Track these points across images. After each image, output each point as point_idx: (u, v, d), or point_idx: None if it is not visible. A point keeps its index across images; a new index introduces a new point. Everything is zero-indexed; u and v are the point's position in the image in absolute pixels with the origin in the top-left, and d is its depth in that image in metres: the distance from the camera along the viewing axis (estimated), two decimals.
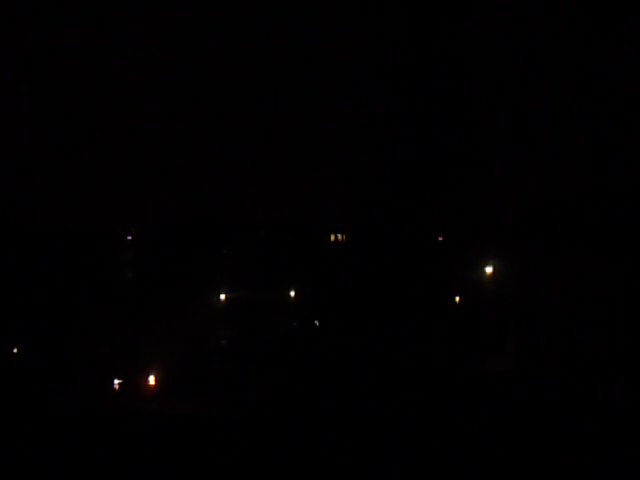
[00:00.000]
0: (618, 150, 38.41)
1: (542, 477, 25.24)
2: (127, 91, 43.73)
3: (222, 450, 28.62)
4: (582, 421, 28.87)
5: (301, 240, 44.23)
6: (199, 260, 43.29)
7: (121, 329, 40.91)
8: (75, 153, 43.39)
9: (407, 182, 40.94)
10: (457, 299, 40.61)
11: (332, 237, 44.54)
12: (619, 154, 38.41)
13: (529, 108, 39.63)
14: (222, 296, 42.92)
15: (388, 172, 41.36)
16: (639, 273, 36.47)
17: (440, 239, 41.01)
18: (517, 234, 39.37)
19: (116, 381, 39.39)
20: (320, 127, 42.44)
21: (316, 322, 42.15)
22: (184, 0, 43.92)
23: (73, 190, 43.00)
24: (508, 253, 39.35)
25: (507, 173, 39.91)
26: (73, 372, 39.01)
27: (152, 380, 39.35)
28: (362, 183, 41.38)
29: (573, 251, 37.26)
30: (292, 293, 42.93)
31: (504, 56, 39.76)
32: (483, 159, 40.51)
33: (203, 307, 42.25)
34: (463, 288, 40.32)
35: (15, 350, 41.10)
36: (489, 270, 39.88)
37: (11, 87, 43.16)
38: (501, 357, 37.85)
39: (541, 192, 39.74)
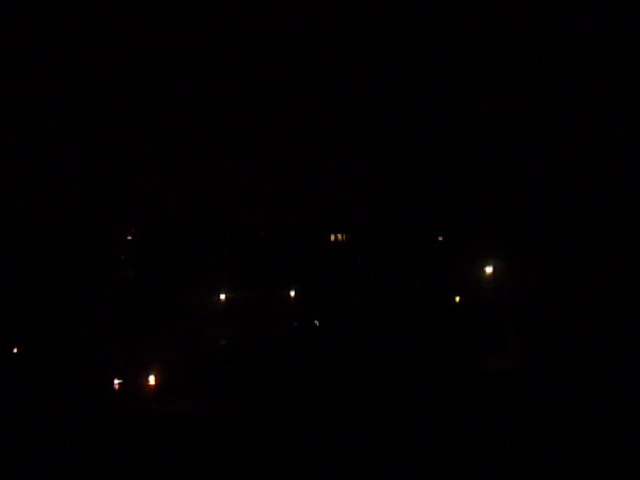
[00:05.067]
0: (618, 150, 38.42)
1: (542, 475, 25.27)
2: (128, 92, 43.75)
3: (222, 450, 28.62)
4: (582, 420, 28.88)
5: (301, 240, 44.26)
6: (199, 260, 43.30)
7: (121, 329, 40.92)
8: (75, 154, 43.42)
9: (407, 182, 40.94)
10: (457, 299, 40.61)
11: (332, 237, 44.56)
12: (619, 154, 38.42)
13: (529, 109, 39.65)
14: (222, 296, 42.94)
15: (388, 173, 41.36)
16: (639, 273, 36.48)
17: (440, 239, 41.02)
18: (517, 234, 39.37)
19: (116, 381, 39.41)
20: (320, 128, 42.47)
21: (316, 322, 42.15)
22: (185, 1, 43.96)
23: (73, 190, 43.04)
24: (508, 253, 39.35)
25: (507, 173, 39.92)
26: (73, 372, 39.02)
27: (152, 380, 39.37)
28: (362, 183, 41.40)
29: (573, 251, 37.27)
30: (292, 293, 42.95)
31: (504, 57, 39.77)
32: (483, 159, 40.51)
33: (203, 307, 42.27)
34: (463, 288, 40.33)
35: (15, 350, 41.13)
36: (489, 270, 39.88)
37: (11, 87, 43.18)
38: (501, 357, 37.85)
39: (541, 192, 39.75)
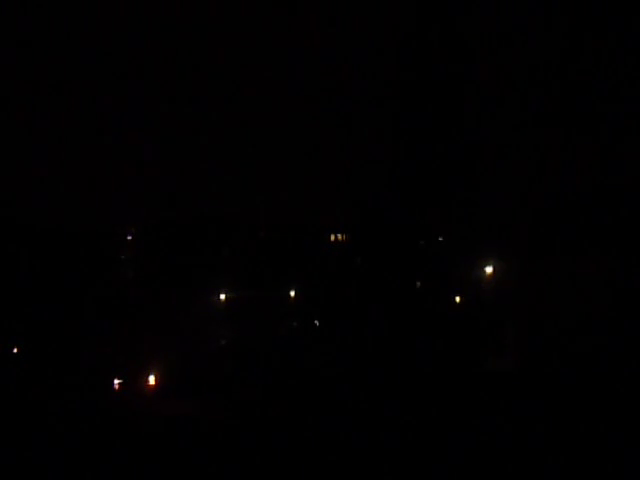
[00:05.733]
0: (618, 150, 38.43)
1: (543, 474, 25.27)
2: (128, 92, 43.76)
3: (222, 450, 28.62)
4: (581, 420, 28.89)
5: (301, 240, 44.26)
6: (199, 260, 43.30)
7: (121, 329, 40.92)
8: (75, 154, 43.44)
9: (407, 183, 40.95)
10: (457, 299, 40.62)
11: (332, 237, 44.57)
12: (619, 154, 38.42)
13: (529, 109, 39.66)
14: (222, 296, 42.95)
15: (388, 173, 41.37)
16: (639, 273, 36.48)
17: (440, 239, 41.03)
18: (517, 234, 39.37)
19: (116, 381, 39.42)
20: (321, 128, 42.48)
21: (316, 322, 42.16)
22: (186, 1, 43.97)
23: (73, 190, 43.07)
24: (508, 253, 39.35)
25: (507, 173, 39.94)
26: (73, 372, 39.02)
27: (152, 380, 39.37)
28: (362, 184, 41.42)
29: (573, 251, 37.27)
30: (292, 293, 42.96)
31: (504, 58, 39.79)
32: (483, 160, 40.53)
33: (203, 307, 42.27)
34: (463, 288, 40.33)
35: (15, 350, 41.15)
36: (489, 270, 39.89)
37: (12, 88, 43.20)
38: (501, 357, 37.85)
39: (541, 192, 39.77)
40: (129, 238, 44.81)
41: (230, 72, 43.69)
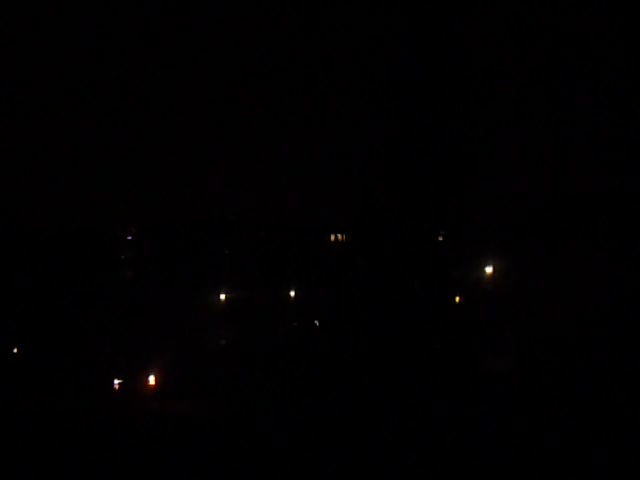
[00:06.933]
0: (618, 150, 38.43)
1: (541, 475, 25.30)
2: (128, 93, 43.79)
3: (222, 450, 28.65)
4: (581, 420, 28.90)
5: (301, 240, 44.28)
6: (199, 260, 43.32)
7: (121, 329, 40.94)
8: (76, 154, 43.46)
9: (407, 183, 40.93)
10: (457, 299, 40.60)
11: (332, 237, 44.58)
12: (619, 154, 38.43)
13: (529, 109, 39.66)
14: (222, 296, 42.95)
15: (388, 173, 41.36)
16: (639, 273, 36.48)
17: (440, 239, 41.00)
18: (517, 234, 39.38)
19: (116, 381, 39.43)
20: (320, 128, 42.49)
21: (316, 322, 42.15)
22: (185, 1, 44.00)
23: (73, 191, 43.09)
24: (508, 253, 39.35)
25: (507, 173, 39.94)
26: (73, 372, 39.03)
27: (152, 380, 39.38)
28: (362, 184, 41.41)
29: (573, 251, 37.28)
30: (292, 293, 42.96)
31: (504, 57, 39.79)
32: (483, 159, 40.51)
33: (203, 307, 42.28)
34: (463, 288, 40.32)
35: (15, 350, 41.15)
36: (489, 270, 39.89)
37: (12, 88, 43.22)
38: (501, 357, 37.85)
39: (541, 192, 39.77)
40: (129, 238, 44.83)
41: (229, 72, 43.72)
